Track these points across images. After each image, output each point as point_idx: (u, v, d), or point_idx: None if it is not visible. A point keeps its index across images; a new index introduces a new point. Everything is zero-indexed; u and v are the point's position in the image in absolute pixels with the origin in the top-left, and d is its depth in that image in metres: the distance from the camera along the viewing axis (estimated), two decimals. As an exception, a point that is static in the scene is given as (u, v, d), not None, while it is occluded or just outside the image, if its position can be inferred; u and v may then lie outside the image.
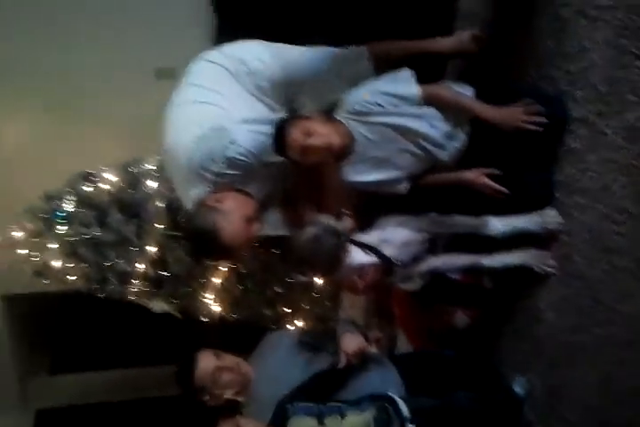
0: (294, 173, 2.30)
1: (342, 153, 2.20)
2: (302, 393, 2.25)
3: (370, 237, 2.28)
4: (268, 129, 2.15)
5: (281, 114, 2.38)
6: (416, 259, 2.32)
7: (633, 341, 1.93)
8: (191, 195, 2.31)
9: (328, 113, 2.27)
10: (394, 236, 2.28)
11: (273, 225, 2.53)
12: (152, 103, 3.95)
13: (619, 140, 1.89)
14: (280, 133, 2.12)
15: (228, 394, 2.30)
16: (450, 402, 2.28)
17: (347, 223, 2.20)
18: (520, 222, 2.21)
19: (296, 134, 2.09)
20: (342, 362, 2.27)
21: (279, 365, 2.37)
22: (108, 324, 5.72)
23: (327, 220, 2.16)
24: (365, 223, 2.33)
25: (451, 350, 2.68)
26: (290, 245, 2.22)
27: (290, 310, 3.55)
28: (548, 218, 2.20)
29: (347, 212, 2.21)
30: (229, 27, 3.77)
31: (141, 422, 5.30)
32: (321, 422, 2.14)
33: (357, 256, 2.23)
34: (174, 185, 2.54)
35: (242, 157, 2.18)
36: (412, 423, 2.15)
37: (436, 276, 2.62)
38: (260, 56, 2.38)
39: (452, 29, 2.70)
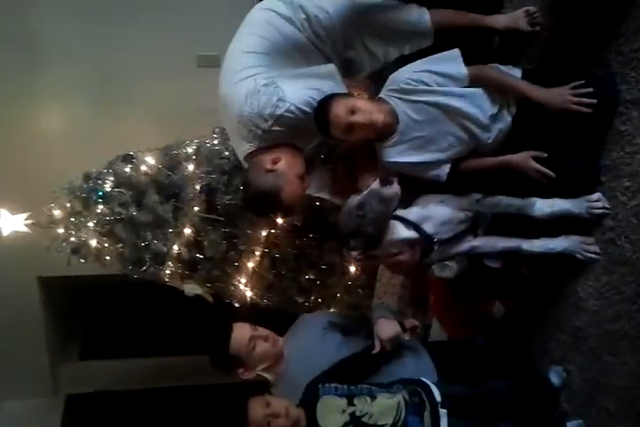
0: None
1: (385, 131, 2.18)
2: (334, 375, 2.25)
3: (411, 214, 2.26)
4: (319, 84, 2.17)
5: (336, 64, 2.37)
6: (456, 239, 2.28)
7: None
8: (242, 149, 2.35)
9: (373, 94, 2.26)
10: (435, 213, 2.25)
11: (316, 187, 2.58)
12: (193, 90, 4.05)
13: (672, 121, 1.84)
14: (323, 110, 2.10)
15: (261, 367, 2.30)
16: (483, 390, 2.26)
17: (394, 188, 2.14)
18: (566, 205, 2.16)
19: (340, 111, 2.08)
20: (377, 347, 2.27)
21: (313, 345, 2.36)
22: (139, 312, 5.78)
23: (375, 185, 2.12)
24: (407, 201, 2.29)
25: (483, 339, 2.66)
26: (338, 214, 2.23)
27: (322, 298, 3.54)
28: (594, 202, 2.14)
29: (394, 178, 2.15)
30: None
31: (169, 410, 5.33)
32: (351, 402, 2.14)
33: (399, 231, 2.20)
34: (227, 132, 2.57)
35: (290, 115, 2.19)
36: (443, 408, 2.13)
37: (474, 263, 2.60)
38: (319, 2, 2.34)
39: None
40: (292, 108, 2.18)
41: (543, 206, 2.17)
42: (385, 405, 2.14)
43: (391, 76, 2.26)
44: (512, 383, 2.30)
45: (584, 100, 2.04)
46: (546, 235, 2.27)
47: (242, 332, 2.30)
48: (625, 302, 2.09)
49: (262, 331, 2.34)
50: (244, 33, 2.40)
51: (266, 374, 2.39)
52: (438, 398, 2.16)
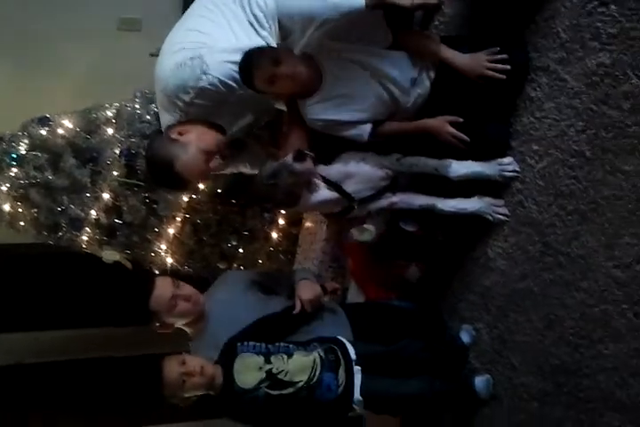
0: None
1: (309, 85, 2.19)
2: (253, 333, 2.29)
3: (332, 171, 2.30)
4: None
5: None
6: (376, 196, 2.33)
7: (576, 280, 1.99)
8: (164, 120, 2.35)
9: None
10: (356, 170, 2.30)
11: (253, 163, 2.56)
12: (114, 53, 3.96)
13: (579, 86, 1.93)
14: (247, 63, 2.10)
15: (180, 323, 2.31)
16: (396, 348, 2.34)
17: (306, 165, 2.20)
18: (479, 168, 2.25)
19: (264, 63, 2.08)
20: (297, 308, 2.32)
21: (234, 303, 2.40)
22: (54, 283, 5.63)
23: (288, 158, 2.16)
24: (328, 157, 2.33)
25: (397, 301, 2.75)
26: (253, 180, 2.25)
27: (244, 265, 3.55)
28: (506, 166, 2.23)
29: (309, 153, 2.20)
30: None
31: (85, 382, 5.25)
32: (267, 360, 2.19)
33: (321, 192, 2.27)
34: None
35: (212, 87, 2.17)
36: (357, 365, 2.20)
37: (391, 227, 2.67)
38: None
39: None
40: (215, 80, 2.16)
41: (458, 168, 2.25)
42: (301, 362, 2.20)
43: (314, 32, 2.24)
44: (423, 342, 2.40)
45: (499, 66, 2.11)
46: (460, 196, 2.35)
47: (163, 289, 2.29)
48: (530, 260, 2.19)
49: (185, 289, 2.34)
50: (192, 13, 2.37)
51: (185, 328, 2.40)
52: (353, 356, 2.24)
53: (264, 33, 2.26)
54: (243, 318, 2.32)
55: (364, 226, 2.64)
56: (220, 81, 2.16)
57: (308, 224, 3.44)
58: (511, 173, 2.23)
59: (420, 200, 2.35)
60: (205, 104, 2.23)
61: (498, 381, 2.39)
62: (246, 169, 2.68)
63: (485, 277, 2.44)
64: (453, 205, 2.32)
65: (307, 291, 2.35)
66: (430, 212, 2.36)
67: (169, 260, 3.47)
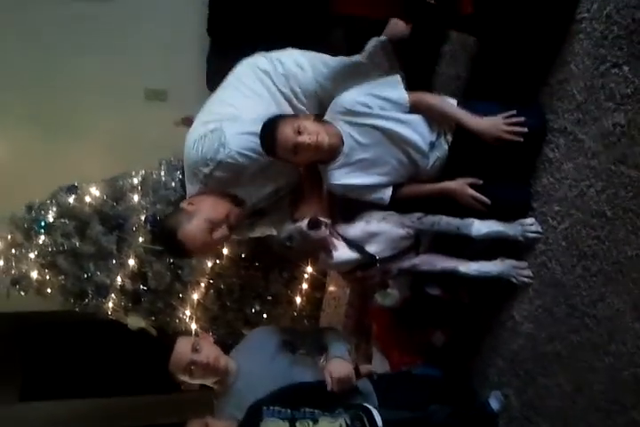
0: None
1: (331, 153, 2.22)
2: (279, 399, 2.25)
3: (353, 230, 2.31)
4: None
5: None
6: (398, 257, 2.33)
7: (604, 343, 1.94)
8: (188, 191, 2.40)
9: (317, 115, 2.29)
10: (378, 229, 2.30)
11: (277, 227, 2.55)
12: (140, 122, 4.08)
13: (597, 146, 1.93)
14: (269, 131, 2.14)
15: (203, 383, 2.34)
16: (424, 415, 2.28)
17: (321, 233, 2.20)
18: (501, 227, 2.23)
19: (286, 131, 2.11)
20: (328, 386, 2.27)
21: (263, 364, 2.39)
22: (80, 350, 5.64)
23: (303, 225, 2.17)
24: (349, 215, 2.36)
25: (424, 368, 2.69)
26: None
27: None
28: (528, 226, 2.22)
29: (325, 220, 2.21)
30: (222, 50, 3.85)
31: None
32: (293, 426, 2.13)
33: (341, 253, 2.28)
34: None
35: (230, 160, 2.21)
36: None
37: (415, 292, 2.64)
38: (299, 61, 2.39)
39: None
40: (233, 153, 2.21)
41: (480, 227, 2.23)
42: None
43: (335, 99, 2.29)
44: (452, 409, 2.33)
45: (516, 128, 2.13)
46: (483, 259, 2.33)
47: (181, 354, 2.30)
48: (557, 323, 2.14)
49: (203, 355, 2.31)
50: (229, 85, 2.44)
51: (211, 385, 2.40)
52: (380, 423, 2.18)
53: (300, 107, 2.34)
54: (270, 381, 2.30)
55: (388, 290, 2.63)
56: (239, 153, 2.21)
57: (331, 288, 3.42)
58: (534, 234, 2.21)
59: (442, 263, 2.34)
60: (225, 176, 2.27)
61: (529, 449, 2.30)
62: (275, 234, 2.68)
63: (513, 340, 2.39)
64: (476, 269, 2.30)
65: (339, 370, 2.30)
66: (453, 275, 2.33)
67: (193, 326, 3.46)
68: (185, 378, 2.32)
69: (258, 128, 2.18)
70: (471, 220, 2.25)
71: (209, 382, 2.37)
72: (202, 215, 2.24)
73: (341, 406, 2.26)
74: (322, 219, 2.21)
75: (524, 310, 2.31)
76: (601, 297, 1.95)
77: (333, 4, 2.30)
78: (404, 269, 2.37)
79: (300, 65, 2.38)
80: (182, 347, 2.33)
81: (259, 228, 2.63)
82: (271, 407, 2.19)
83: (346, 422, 2.17)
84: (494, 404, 2.45)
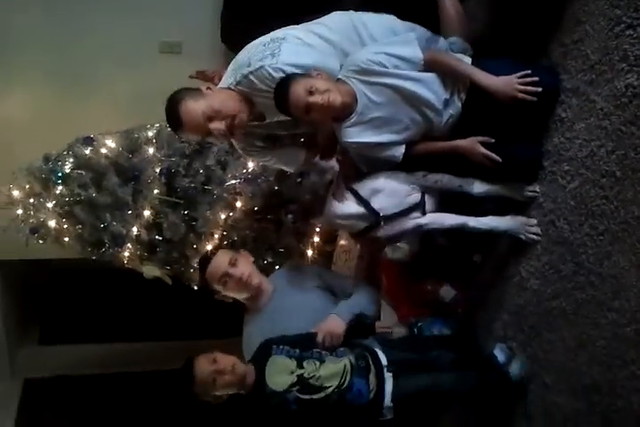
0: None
1: (343, 112, 2.24)
2: (290, 341, 2.36)
3: (363, 187, 2.36)
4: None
5: None
6: (403, 215, 2.36)
7: (608, 300, 1.99)
8: (219, 84, 2.39)
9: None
10: (385, 186, 2.35)
11: (285, 162, 2.64)
12: (155, 75, 4.08)
13: (608, 107, 1.94)
14: (282, 90, 2.15)
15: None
16: (428, 358, 2.38)
17: (331, 163, 2.34)
18: (502, 190, 2.31)
19: (298, 91, 2.12)
20: (318, 340, 2.36)
21: (299, 296, 2.56)
22: (98, 297, 5.79)
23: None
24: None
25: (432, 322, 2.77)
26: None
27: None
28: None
29: (339, 158, 2.31)
30: (236, 4, 3.82)
31: (128, 395, 5.36)
32: (300, 364, 2.26)
33: (348, 205, 2.36)
34: None
35: (271, 71, 2.19)
36: (389, 371, 2.24)
37: (426, 245, 2.69)
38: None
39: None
40: (276, 66, 2.20)
41: (481, 186, 2.31)
42: (332, 368, 2.26)
43: (349, 58, 2.30)
44: (456, 356, 2.42)
45: (530, 88, 2.13)
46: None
47: (218, 265, 2.49)
48: (563, 280, 2.20)
49: (239, 270, 2.49)
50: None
51: (243, 300, 2.57)
52: (384, 362, 2.30)
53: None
54: (300, 316, 2.45)
55: (398, 244, 2.68)
56: (281, 69, 2.19)
57: (342, 242, 3.48)
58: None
59: (450, 220, 2.37)
60: (256, 84, 2.24)
61: (531, 400, 2.39)
62: (282, 166, 2.74)
63: (519, 296, 2.45)
64: (486, 223, 2.35)
65: (330, 326, 2.40)
66: (463, 232, 2.38)
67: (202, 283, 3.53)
68: (219, 288, 2.51)
69: (307, 61, 2.21)
70: (472, 179, 2.31)
71: (241, 296, 2.54)
72: (210, 101, 2.24)
73: (346, 346, 2.36)
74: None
75: (530, 266, 2.36)
76: (607, 255, 1.99)
77: None
78: (410, 230, 2.40)
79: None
80: (220, 259, 2.52)
81: (265, 155, 2.63)
82: (281, 346, 2.31)
83: (350, 362, 2.28)
84: (500, 356, 2.51)
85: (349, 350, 2.32)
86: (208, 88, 2.30)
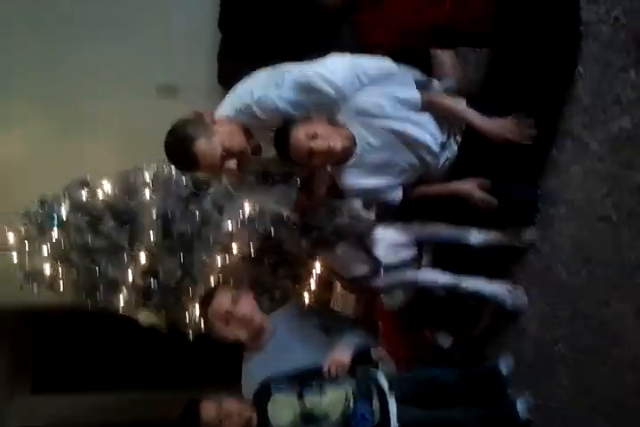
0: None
1: (344, 155, 2.23)
2: (289, 380, 2.34)
3: None
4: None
5: None
6: (401, 267, 2.34)
7: (608, 347, 1.94)
8: (219, 111, 2.33)
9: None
10: (383, 236, 2.32)
11: (280, 203, 2.58)
12: (151, 117, 4.10)
13: (602, 150, 1.93)
14: (283, 135, 2.15)
15: (236, 335, 2.47)
16: (432, 376, 2.37)
17: (371, 215, 2.27)
18: (499, 237, 2.28)
19: (299, 137, 2.12)
20: (325, 368, 2.34)
21: (297, 337, 2.52)
22: (92, 344, 5.70)
23: (357, 203, 2.23)
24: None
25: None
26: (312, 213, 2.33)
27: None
28: (527, 236, 2.27)
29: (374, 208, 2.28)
30: (233, 46, 3.87)
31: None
32: (301, 398, 2.25)
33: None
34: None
35: (276, 101, 2.18)
36: (391, 394, 2.26)
37: (421, 293, 2.65)
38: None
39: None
40: (281, 96, 2.18)
41: (478, 235, 2.27)
42: (333, 397, 2.25)
43: (348, 100, 2.25)
44: (461, 372, 2.40)
45: (526, 130, 2.13)
46: (485, 270, 2.36)
47: (220, 304, 2.47)
48: (561, 326, 2.15)
49: (241, 310, 2.47)
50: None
51: (244, 340, 2.52)
52: (386, 385, 2.28)
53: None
54: (299, 356, 2.43)
55: (393, 292, 2.64)
56: (286, 100, 2.17)
57: (340, 287, 3.43)
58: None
59: (444, 279, 2.35)
60: (258, 113, 2.22)
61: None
62: (272, 205, 2.73)
63: (517, 342, 2.39)
64: (477, 285, 2.33)
65: (338, 355, 2.38)
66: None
67: (202, 321, 3.48)
68: (220, 326, 2.47)
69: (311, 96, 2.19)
70: (469, 229, 2.28)
71: (242, 335, 2.49)
72: (220, 138, 2.16)
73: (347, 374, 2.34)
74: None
75: (529, 311, 2.32)
76: (605, 301, 1.95)
77: (363, 33, 2.33)
78: (404, 284, 2.40)
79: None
80: (222, 297, 2.49)
81: (256, 193, 2.59)
82: (279, 385, 2.30)
83: (351, 387, 2.26)
84: (503, 367, 2.42)
85: (349, 377, 2.31)
86: (212, 121, 2.22)
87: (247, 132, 2.27)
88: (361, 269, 2.36)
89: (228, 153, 2.17)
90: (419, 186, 2.36)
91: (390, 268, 2.35)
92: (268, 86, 2.22)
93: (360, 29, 2.40)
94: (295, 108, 2.20)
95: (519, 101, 2.21)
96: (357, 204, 2.22)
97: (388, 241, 2.34)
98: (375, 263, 2.33)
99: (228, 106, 2.32)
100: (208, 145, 2.14)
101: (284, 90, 2.19)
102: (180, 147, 2.17)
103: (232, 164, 2.20)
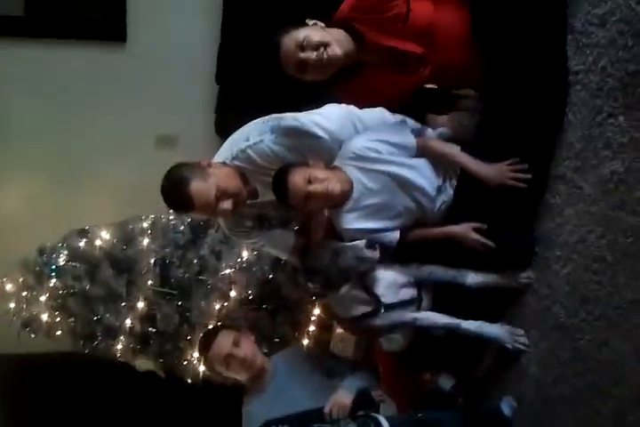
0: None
1: (342, 199, 2.27)
2: (289, 420, 2.37)
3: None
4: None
5: None
6: (400, 307, 2.36)
7: (609, 387, 1.96)
8: (215, 157, 2.41)
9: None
10: (383, 275, 2.36)
11: (274, 246, 2.62)
12: (150, 167, 4.14)
13: (596, 193, 1.98)
14: (281, 179, 2.19)
15: (237, 377, 2.54)
16: (434, 419, 2.36)
17: (375, 254, 2.28)
18: (496, 279, 2.32)
19: (297, 180, 2.17)
20: (326, 409, 2.39)
21: (297, 380, 2.57)
22: (90, 391, 5.62)
23: (360, 243, 2.25)
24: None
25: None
26: (313, 251, 2.35)
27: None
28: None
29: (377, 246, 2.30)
30: (230, 98, 3.95)
31: None
32: None
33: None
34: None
35: (271, 145, 2.26)
36: None
37: (421, 335, 2.66)
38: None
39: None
40: (275, 141, 2.27)
41: (475, 276, 2.32)
42: None
43: (344, 145, 2.35)
44: (464, 413, 2.41)
45: (520, 175, 2.19)
46: (484, 313, 2.38)
47: (221, 346, 2.50)
48: (562, 366, 2.17)
49: (242, 351, 2.52)
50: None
51: (244, 382, 2.57)
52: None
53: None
54: (299, 398, 2.47)
55: (392, 335, 2.65)
56: (280, 144, 2.27)
57: (338, 330, 3.44)
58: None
59: (444, 320, 2.37)
60: (253, 159, 2.30)
61: None
62: (270, 249, 2.72)
63: (519, 383, 2.40)
64: (477, 326, 2.34)
65: (339, 397, 2.44)
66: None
67: (201, 368, 3.47)
68: (221, 370, 2.51)
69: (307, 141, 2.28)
70: (465, 270, 2.32)
71: (243, 377, 2.52)
72: (215, 179, 2.23)
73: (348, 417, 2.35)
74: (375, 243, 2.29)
75: (529, 352, 2.33)
76: (604, 341, 1.97)
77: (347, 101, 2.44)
78: (405, 323, 2.40)
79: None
80: (224, 340, 2.52)
81: (254, 237, 2.61)
82: (280, 426, 2.32)
83: None
84: (506, 409, 2.43)
85: (351, 420, 2.30)
86: (208, 164, 2.30)
87: (243, 176, 2.34)
88: (361, 308, 2.38)
89: (222, 194, 2.24)
90: (415, 229, 2.40)
91: (390, 308, 2.36)
92: (263, 132, 2.30)
93: (344, 98, 2.48)
94: (290, 152, 2.28)
95: (512, 148, 2.28)
96: (361, 244, 2.24)
97: (388, 281, 2.36)
98: (376, 302, 2.35)
99: (225, 152, 2.40)
100: (203, 186, 2.21)
101: (279, 135, 2.27)
102: (175, 188, 2.24)
103: (227, 204, 2.26)
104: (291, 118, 2.34)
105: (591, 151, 2.00)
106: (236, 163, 2.34)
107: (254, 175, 2.37)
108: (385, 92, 2.45)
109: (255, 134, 2.32)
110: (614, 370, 1.94)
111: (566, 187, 2.12)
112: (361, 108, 2.45)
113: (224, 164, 2.35)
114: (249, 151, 2.30)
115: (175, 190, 2.25)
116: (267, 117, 2.40)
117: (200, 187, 2.21)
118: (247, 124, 2.43)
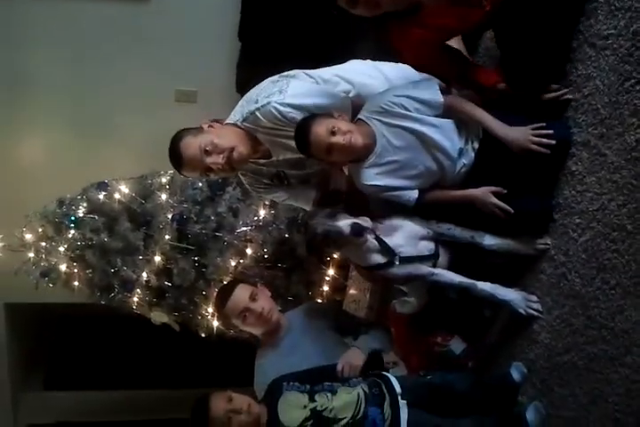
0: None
1: (364, 153, 2.25)
2: (302, 378, 2.36)
3: (378, 225, 2.36)
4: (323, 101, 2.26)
5: None
6: (417, 260, 2.35)
7: (620, 355, 1.96)
8: (229, 118, 2.42)
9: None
10: (401, 225, 2.36)
11: (299, 200, 2.68)
12: (170, 123, 4.13)
13: (619, 161, 1.95)
14: (304, 130, 2.17)
15: (253, 331, 2.55)
16: (446, 384, 2.33)
17: (364, 238, 2.29)
18: (513, 244, 2.31)
19: (320, 131, 2.14)
20: (338, 369, 2.41)
21: (314, 333, 2.59)
22: (105, 343, 5.75)
23: (345, 228, 2.24)
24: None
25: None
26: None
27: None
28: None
29: (368, 226, 2.31)
30: (252, 55, 3.91)
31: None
32: (312, 398, 2.24)
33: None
34: None
35: (279, 107, 2.23)
36: (403, 399, 2.21)
37: (435, 298, 2.67)
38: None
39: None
40: (283, 102, 2.24)
41: (492, 239, 2.31)
42: (345, 399, 2.23)
43: (371, 98, 2.31)
44: (475, 378, 2.40)
45: (544, 140, 2.15)
46: (499, 278, 2.37)
47: (238, 299, 2.50)
48: (574, 334, 2.16)
49: (259, 305, 2.52)
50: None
51: (259, 336, 2.60)
52: (398, 390, 2.25)
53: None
54: (312, 355, 2.48)
55: (406, 298, 2.66)
56: (289, 104, 2.24)
57: (352, 291, 3.46)
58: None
59: (460, 278, 2.35)
60: (262, 121, 2.28)
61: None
62: (293, 202, 2.76)
63: (529, 350, 2.41)
64: (493, 288, 2.33)
65: (352, 357, 2.46)
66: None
67: (215, 323, 3.52)
68: (237, 323, 2.52)
69: (316, 101, 2.25)
70: (483, 232, 2.31)
71: (258, 331, 2.56)
72: (209, 136, 2.28)
73: (360, 376, 2.37)
74: (363, 224, 2.27)
75: (542, 319, 2.33)
76: (619, 310, 1.96)
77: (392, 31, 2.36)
78: (420, 276, 2.38)
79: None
80: (241, 294, 2.51)
81: (274, 192, 2.65)
82: (291, 383, 2.30)
83: (363, 390, 2.25)
84: (516, 375, 2.44)
85: (362, 380, 2.31)
86: (210, 125, 2.34)
87: (251, 137, 2.34)
88: (376, 258, 2.36)
89: (213, 149, 2.26)
90: (434, 190, 2.37)
91: (407, 261, 2.34)
92: (271, 94, 2.28)
93: (395, 36, 2.38)
94: (302, 112, 2.26)
95: (534, 110, 2.25)
96: (346, 228, 2.23)
97: (408, 231, 2.34)
98: (390, 254, 2.33)
99: (237, 114, 2.39)
100: (191, 139, 2.27)
101: (288, 95, 2.25)
102: (171, 148, 2.31)
103: (215, 158, 2.27)
104: (302, 76, 2.33)
105: (617, 118, 1.95)
106: (246, 124, 2.34)
107: (265, 136, 2.36)
108: (451, 25, 2.35)
109: (263, 96, 2.29)
110: (627, 338, 1.93)
111: (589, 154, 2.08)
112: (412, 47, 2.38)
113: (235, 125, 2.36)
114: (257, 113, 2.28)
115: (171, 150, 2.32)
116: (277, 76, 2.38)
117: (188, 141, 2.27)
118: (259, 85, 2.41)
